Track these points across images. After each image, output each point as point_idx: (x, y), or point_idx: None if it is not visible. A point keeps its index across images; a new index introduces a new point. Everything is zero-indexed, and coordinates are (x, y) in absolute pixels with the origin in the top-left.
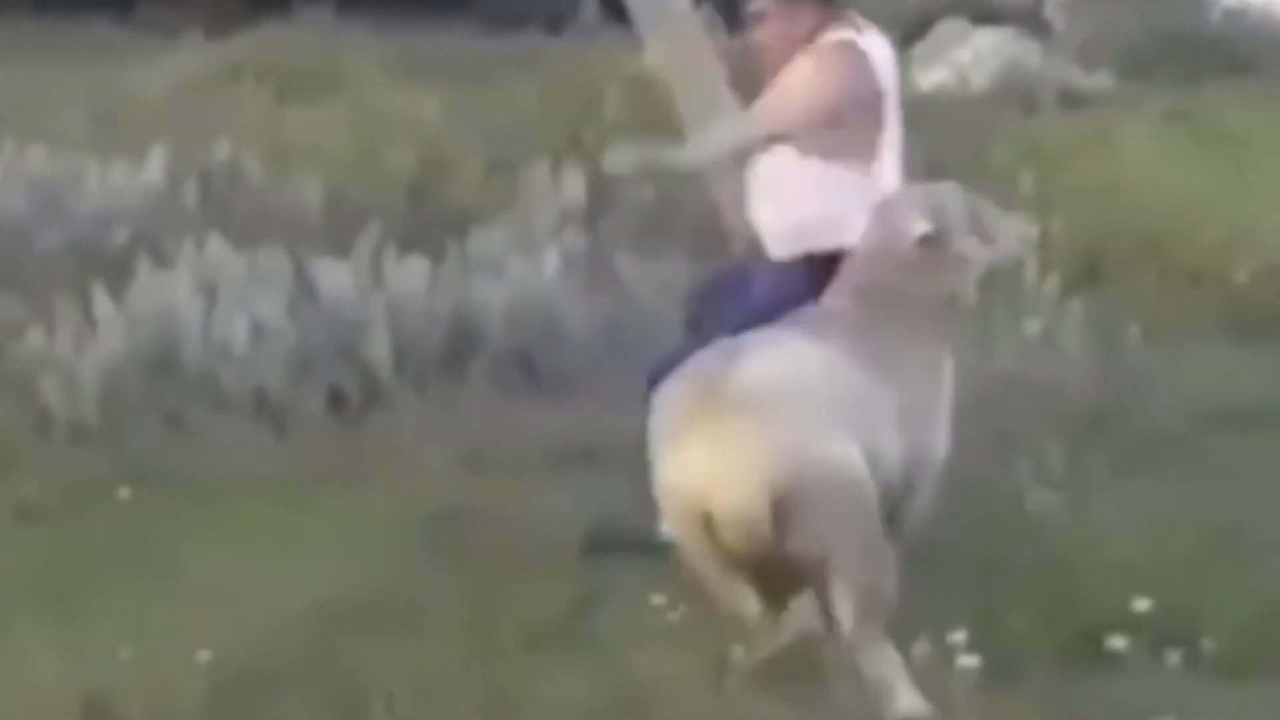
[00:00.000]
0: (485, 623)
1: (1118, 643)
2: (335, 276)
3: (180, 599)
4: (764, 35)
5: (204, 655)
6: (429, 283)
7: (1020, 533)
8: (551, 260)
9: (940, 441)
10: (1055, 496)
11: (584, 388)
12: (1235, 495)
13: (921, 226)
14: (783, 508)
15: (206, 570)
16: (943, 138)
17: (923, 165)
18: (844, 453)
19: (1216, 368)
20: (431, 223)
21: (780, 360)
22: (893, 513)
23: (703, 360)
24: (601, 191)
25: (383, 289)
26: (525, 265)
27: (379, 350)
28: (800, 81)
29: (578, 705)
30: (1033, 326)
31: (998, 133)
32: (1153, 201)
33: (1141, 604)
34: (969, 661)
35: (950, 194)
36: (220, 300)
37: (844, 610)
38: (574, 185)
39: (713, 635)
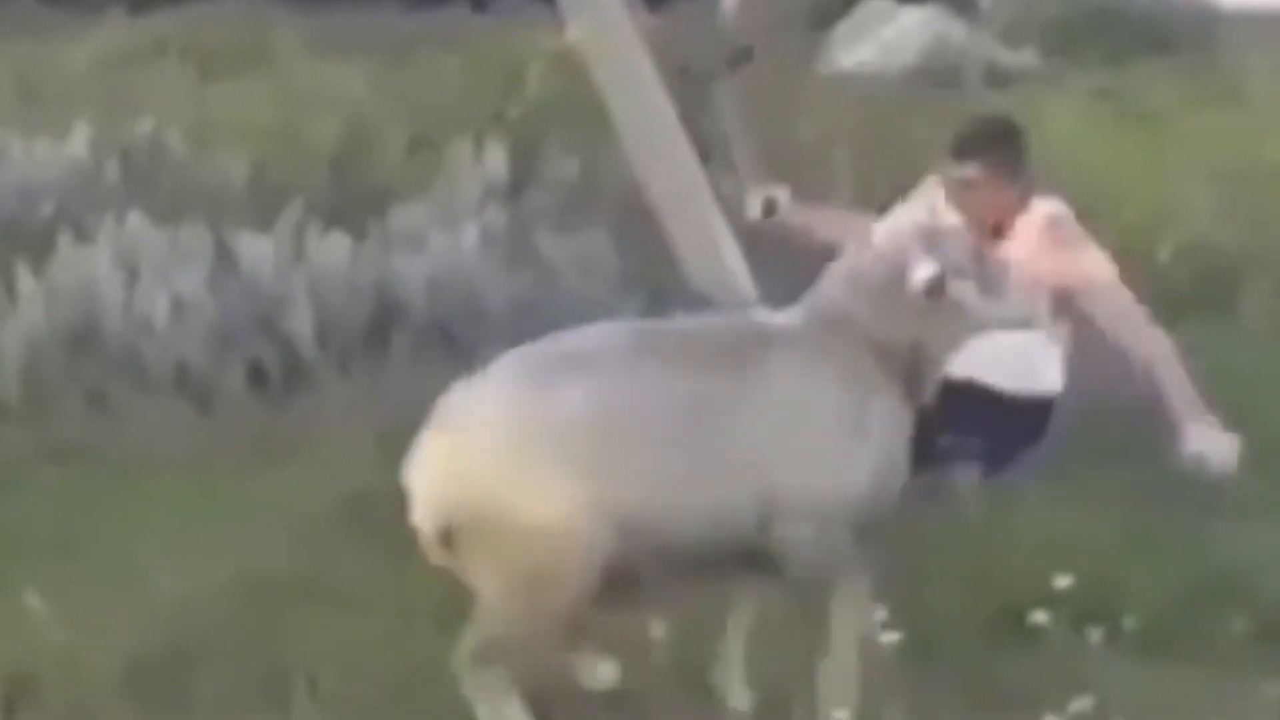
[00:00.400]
0: (406, 600)
1: (1039, 619)
2: (257, 252)
3: (101, 576)
4: (975, 203)
5: (125, 633)
6: (351, 258)
7: (942, 509)
8: (472, 236)
9: (847, 485)
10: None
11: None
12: (1158, 474)
13: (928, 269)
14: (449, 532)
15: (127, 547)
16: (866, 116)
17: (848, 144)
18: (543, 498)
19: None
20: (354, 198)
21: (561, 388)
22: (755, 556)
23: (519, 360)
24: (523, 167)
25: (305, 264)
26: (447, 241)
27: (301, 325)
28: (1089, 257)
29: None
30: None
31: (921, 111)
32: (1076, 180)
33: (1063, 580)
34: (890, 637)
35: (954, 235)
36: (141, 275)
37: (467, 643)
38: (496, 161)
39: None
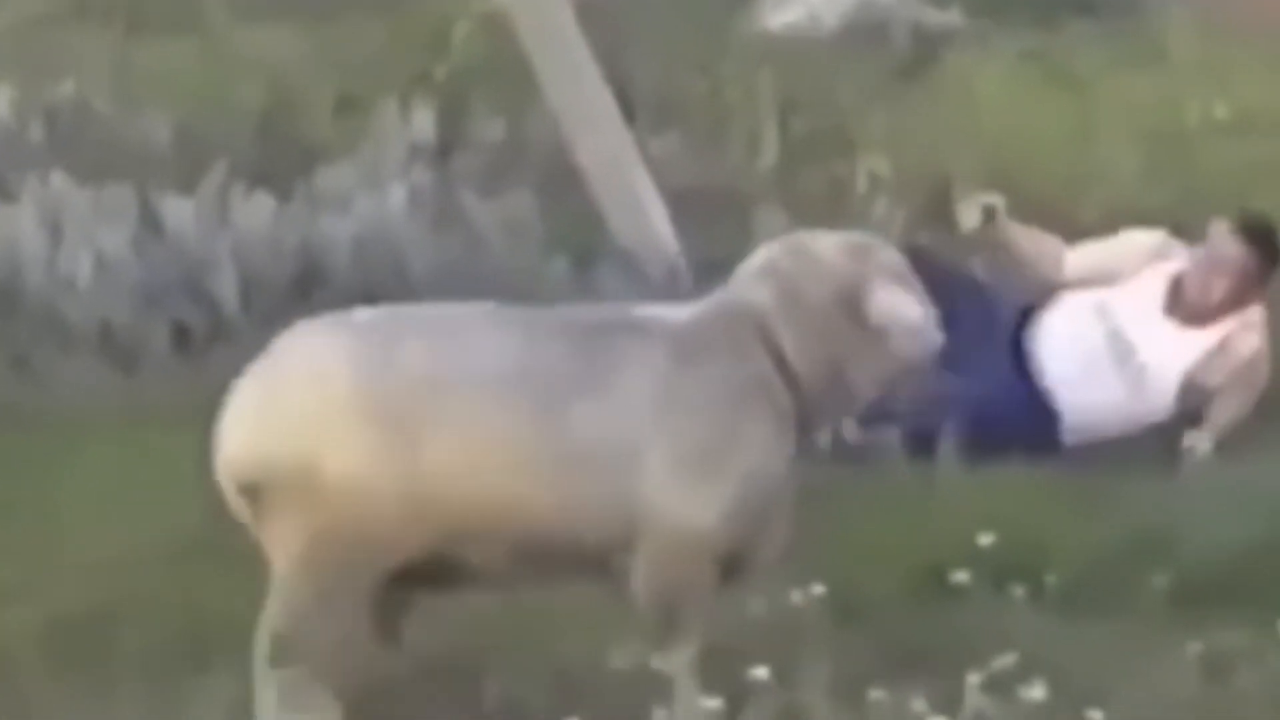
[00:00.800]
0: None
1: (961, 577)
2: (181, 212)
3: (24, 536)
4: (1214, 287)
5: (48, 593)
6: (275, 219)
7: (863, 467)
8: (399, 197)
9: (694, 519)
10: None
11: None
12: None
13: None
14: (255, 488)
15: (51, 507)
16: (793, 77)
17: (773, 106)
18: (352, 455)
19: None
20: (280, 159)
21: (390, 346)
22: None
23: (352, 315)
24: (450, 129)
25: (229, 225)
26: (372, 202)
27: (225, 286)
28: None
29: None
30: None
31: (848, 71)
32: (1003, 140)
33: (985, 539)
34: (815, 591)
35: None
36: (65, 235)
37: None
38: (423, 123)
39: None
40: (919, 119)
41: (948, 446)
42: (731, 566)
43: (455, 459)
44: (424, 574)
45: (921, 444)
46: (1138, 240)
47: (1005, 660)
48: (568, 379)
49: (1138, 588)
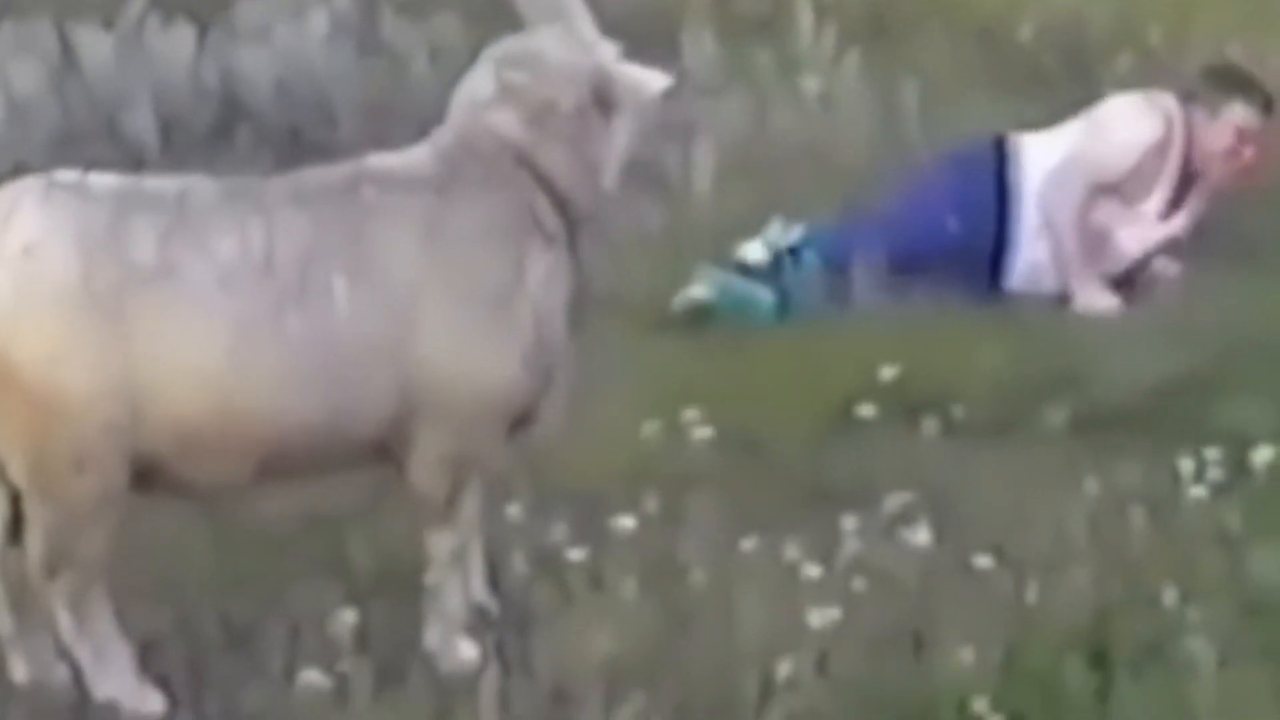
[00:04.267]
0: None
1: (866, 411)
2: (99, 47)
3: None
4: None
5: None
6: (195, 54)
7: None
8: (320, 25)
9: (494, 373)
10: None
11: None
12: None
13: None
14: None
15: None
16: None
17: None
18: (50, 352)
19: (995, 124)
20: None
21: (113, 226)
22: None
23: (67, 183)
24: None
25: (148, 61)
26: (293, 32)
27: (144, 126)
28: None
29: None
30: (810, 84)
31: None
32: None
33: (889, 371)
34: (703, 434)
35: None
36: None
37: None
38: None
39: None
40: None
41: (867, 274)
42: (517, 425)
43: (182, 361)
44: (169, 484)
45: (840, 273)
46: (1131, 134)
47: (897, 500)
48: (320, 256)
49: (1044, 421)
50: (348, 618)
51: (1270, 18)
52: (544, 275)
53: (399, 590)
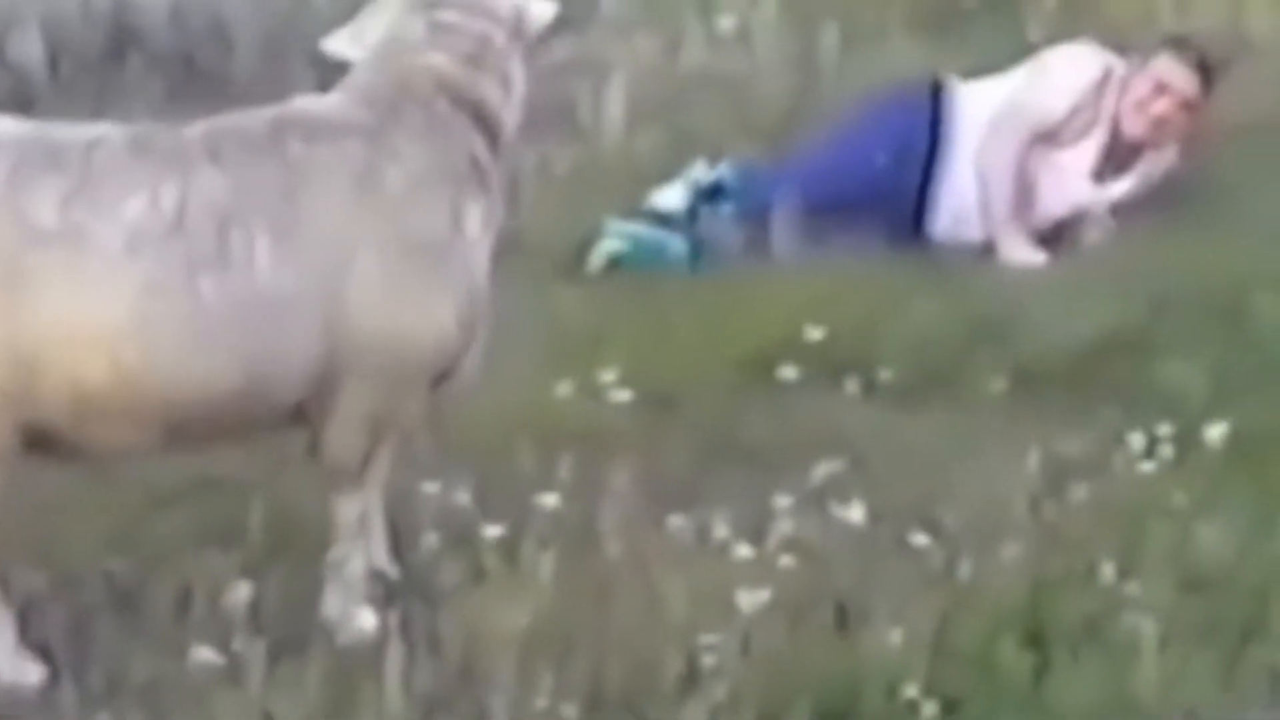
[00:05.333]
0: None
1: (789, 373)
2: None
3: None
4: (1163, 112)
5: None
6: None
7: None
8: None
9: (429, 326)
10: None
11: (250, 91)
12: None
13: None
14: None
15: None
16: None
17: None
18: None
19: (916, 63)
20: None
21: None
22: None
23: None
24: None
25: None
26: None
27: (31, 50)
28: None
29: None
30: (725, 22)
31: None
32: None
33: (814, 333)
34: (620, 397)
35: None
36: None
37: None
38: None
39: None
40: None
41: (786, 220)
42: (437, 381)
43: (82, 327)
44: (67, 450)
45: (758, 218)
46: (1067, 78)
47: (824, 470)
48: (241, 216)
49: (975, 383)
50: (241, 590)
51: None
52: (480, 223)
53: (297, 556)
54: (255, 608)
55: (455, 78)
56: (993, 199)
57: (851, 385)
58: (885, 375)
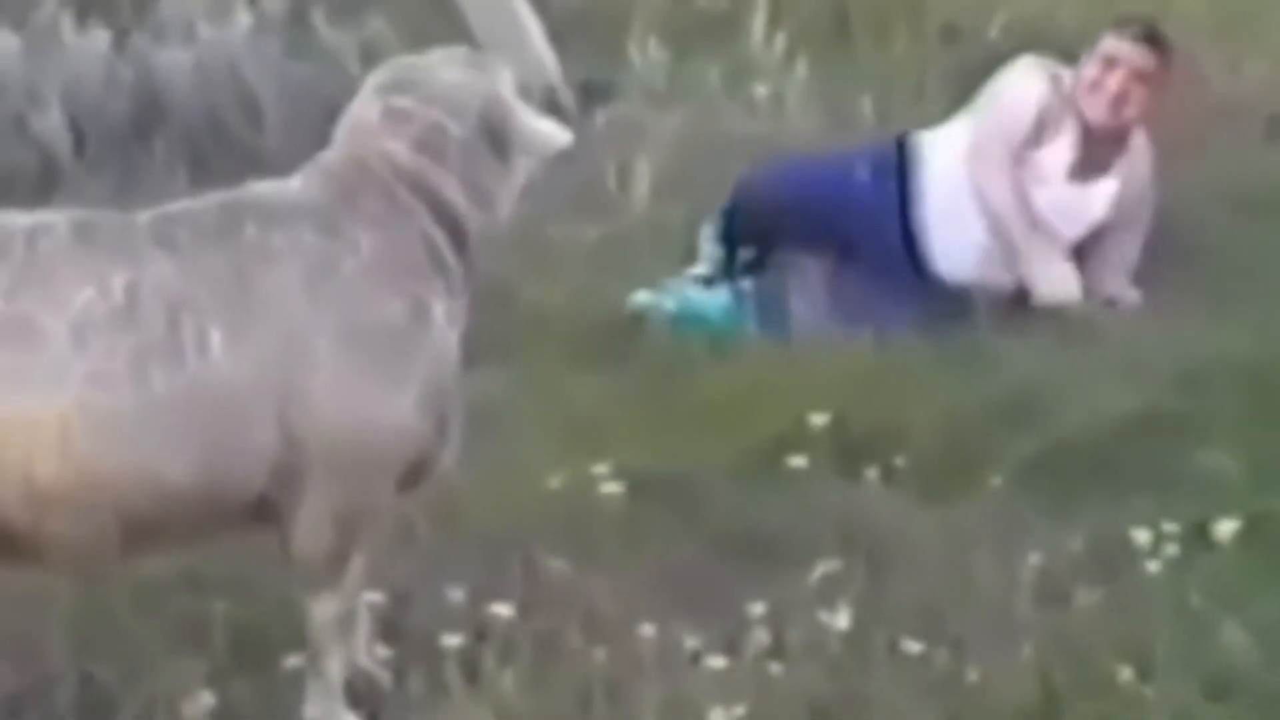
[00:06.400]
0: None
1: (797, 462)
2: (6, 46)
3: None
4: (1132, 99)
5: None
6: (111, 52)
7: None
8: (244, 24)
9: (389, 423)
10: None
11: (279, 161)
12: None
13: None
14: None
15: None
16: None
17: None
18: None
19: None
20: None
21: None
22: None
23: None
24: None
25: (60, 59)
26: (217, 29)
27: (53, 126)
28: None
29: None
30: (760, 90)
31: None
32: None
33: (825, 418)
34: (612, 489)
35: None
36: None
37: None
38: None
39: None
40: None
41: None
42: (412, 475)
43: (30, 421)
44: (28, 554)
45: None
46: (1020, 90)
47: (825, 567)
48: (192, 305)
49: (994, 470)
50: (205, 698)
51: (1244, 20)
52: (443, 317)
53: (280, 656)
54: (236, 711)
55: (410, 165)
56: (1008, 230)
57: (866, 473)
58: (900, 463)
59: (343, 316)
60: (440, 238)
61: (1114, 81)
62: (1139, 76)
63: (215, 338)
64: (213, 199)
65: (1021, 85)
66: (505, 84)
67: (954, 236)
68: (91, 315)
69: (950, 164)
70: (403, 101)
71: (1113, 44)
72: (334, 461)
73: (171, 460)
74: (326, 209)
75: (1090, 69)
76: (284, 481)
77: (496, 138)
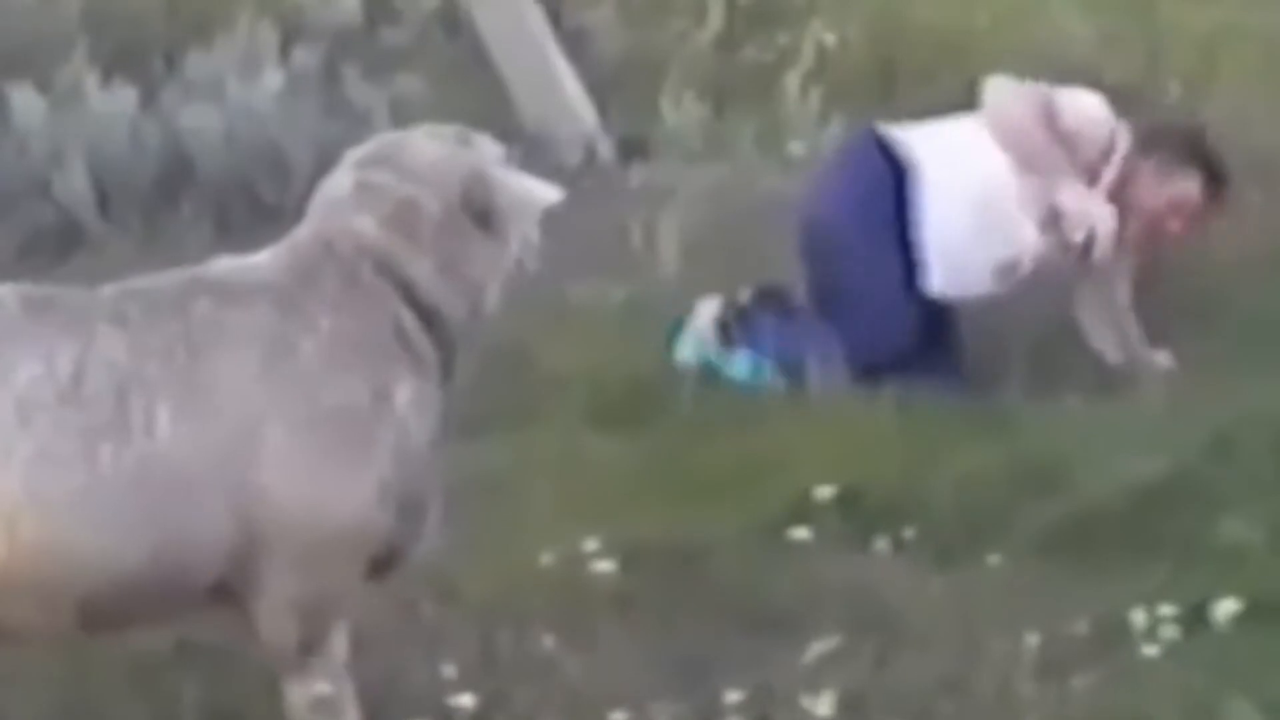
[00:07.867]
0: None
1: (801, 534)
2: (30, 104)
3: None
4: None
5: None
6: (137, 110)
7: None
8: (275, 82)
9: (347, 512)
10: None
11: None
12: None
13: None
14: None
15: None
16: None
17: None
18: None
19: None
20: (142, 44)
21: None
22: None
23: None
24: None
25: (84, 118)
26: (246, 88)
27: (78, 187)
28: None
29: None
30: (796, 148)
31: None
32: (949, 12)
33: (825, 490)
34: (603, 567)
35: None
36: None
37: None
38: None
39: None
40: None
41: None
42: (381, 563)
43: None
44: None
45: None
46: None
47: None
48: (140, 382)
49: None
50: None
51: None
52: (410, 402)
53: None
54: None
55: (377, 243)
56: (1039, 157)
57: (877, 544)
58: (910, 533)
59: (299, 399)
60: (409, 319)
61: (1177, 225)
62: (1196, 215)
63: (163, 416)
64: (176, 274)
65: (1016, 99)
66: (490, 157)
67: (958, 251)
68: (37, 391)
69: (952, 169)
70: (378, 176)
71: (1183, 185)
72: (291, 550)
73: (123, 543)
74: (287, 287)
75: (1155, 196)
76: (241, 568)
77: (482, 212)
